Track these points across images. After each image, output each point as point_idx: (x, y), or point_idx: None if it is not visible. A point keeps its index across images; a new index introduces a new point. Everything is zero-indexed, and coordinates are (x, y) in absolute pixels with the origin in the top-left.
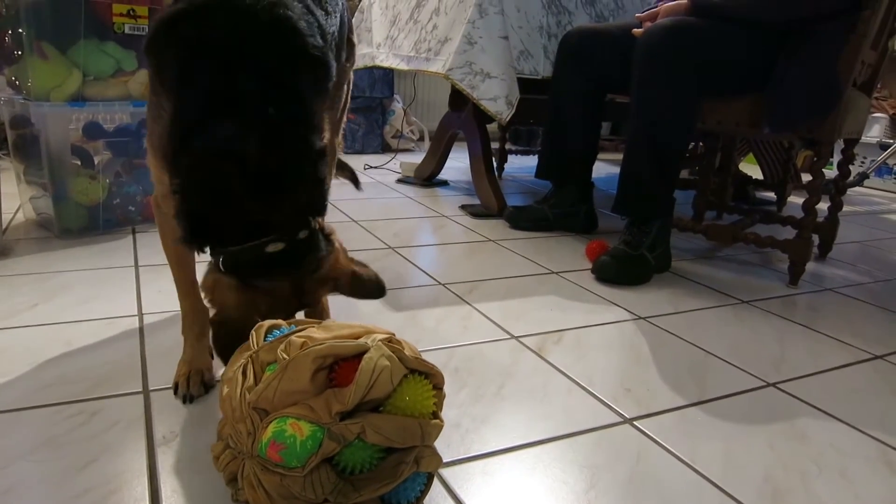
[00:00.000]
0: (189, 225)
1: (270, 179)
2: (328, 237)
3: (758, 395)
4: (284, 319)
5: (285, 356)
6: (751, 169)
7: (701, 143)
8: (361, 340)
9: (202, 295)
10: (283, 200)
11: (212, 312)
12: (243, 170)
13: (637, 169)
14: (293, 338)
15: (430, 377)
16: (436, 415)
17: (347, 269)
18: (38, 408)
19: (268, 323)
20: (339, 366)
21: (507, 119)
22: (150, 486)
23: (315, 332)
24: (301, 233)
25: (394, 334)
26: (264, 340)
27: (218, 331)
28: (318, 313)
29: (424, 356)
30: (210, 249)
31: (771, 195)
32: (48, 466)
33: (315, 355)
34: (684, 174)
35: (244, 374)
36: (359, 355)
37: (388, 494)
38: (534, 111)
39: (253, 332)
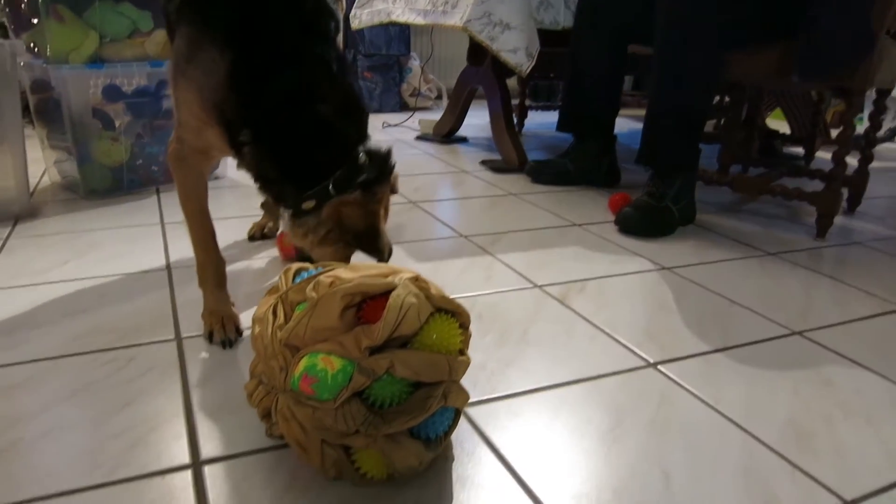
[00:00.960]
0: (298, 158)
1: (344, 110)
2: None
3: (783, 342)
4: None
5: (314, 295)
6: (778, 125)
7: (727, 97)
8: (389, 279)
9: (324, 230)
10: (355, 123)
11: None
12: (327, 105)
13: (661, 121)
14: (321, 277)
15: (457, 316)
16: (462, 352)
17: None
18: (75, 355)
19: (296, 266)
20: (367, 304)
21: (528, 71)
22: (187, 425)
23: (342, 273)
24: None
25: (420, 275)
26: (293, 282)
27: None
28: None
29: None
30: (301, 185)
31: (798, 150)
32: (88, 409)
33: (344, 293)
34: (709, 127)
35: (275, 313)
36: (386, 293)
37: (417, 428)
38: (554, 63)
39: (281, 274)
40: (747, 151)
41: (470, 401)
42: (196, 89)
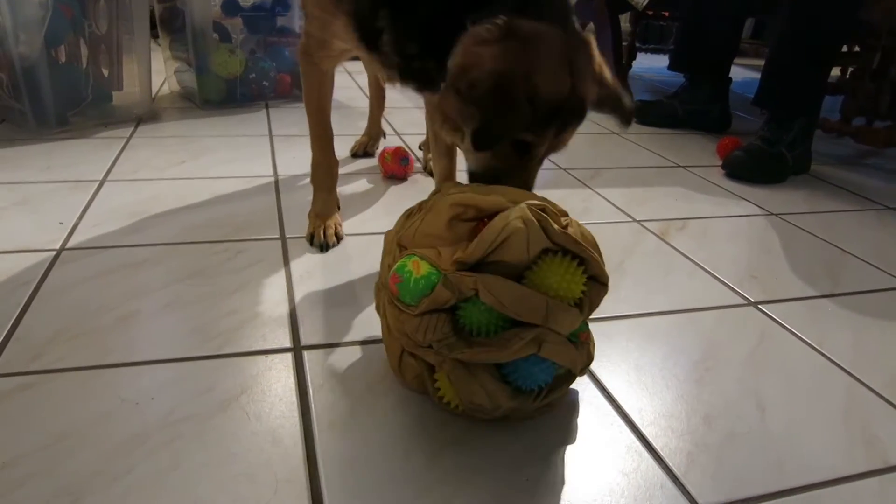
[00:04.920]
0: (437, 25)
1: None
2: None
3: None
4: None
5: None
6: None
7: (857, 46)
8: (503, 198)
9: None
10: None
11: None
12: None
13: (786, 59)
14: (452, 189)
15: (586, 263)
16: (580, 305)
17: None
18: (191, 243)
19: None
20: (483, 222)
21: (644, 4)
22: (289, 314)
23: (477, 188)
24: None
25: (549, 205)
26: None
27: None
28: None
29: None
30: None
31: None
32: (202, 289)
33: (452, 202)
34: (831, 78)
35: (409, 216)
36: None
37: (509, 372)
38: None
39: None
40: (875, 105)
41: None
42: None
